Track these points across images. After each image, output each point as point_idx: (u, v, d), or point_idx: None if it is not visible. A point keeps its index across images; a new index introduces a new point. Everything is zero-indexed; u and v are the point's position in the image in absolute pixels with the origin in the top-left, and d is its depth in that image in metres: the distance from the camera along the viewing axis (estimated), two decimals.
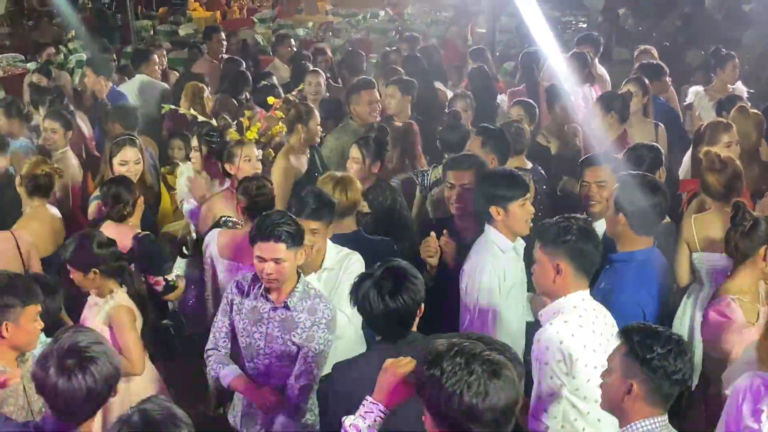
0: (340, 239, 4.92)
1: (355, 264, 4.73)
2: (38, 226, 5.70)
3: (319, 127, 6.86)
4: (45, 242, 5.68)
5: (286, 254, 4.13)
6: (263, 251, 4.14)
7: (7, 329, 3.69)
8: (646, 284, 4.45)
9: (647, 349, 3.07)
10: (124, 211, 5.40)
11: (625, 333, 3.17)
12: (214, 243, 5.33)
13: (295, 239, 4.15)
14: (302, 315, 4.25)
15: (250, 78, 9.18)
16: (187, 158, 6.86)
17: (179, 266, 5.71)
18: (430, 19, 15.68)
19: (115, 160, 6.02)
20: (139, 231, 5.31)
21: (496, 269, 4.50)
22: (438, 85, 8.79)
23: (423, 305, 3.60)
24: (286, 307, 4.26)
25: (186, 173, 6.72)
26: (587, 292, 3.90)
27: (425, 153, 7.42)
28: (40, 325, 3.85)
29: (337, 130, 7.39)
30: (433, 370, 2.61)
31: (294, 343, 4.26)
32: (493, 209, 4.55)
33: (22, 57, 14.10)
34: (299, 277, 4.32)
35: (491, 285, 4.48)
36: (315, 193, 4.73)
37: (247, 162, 5.97)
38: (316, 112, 6.92)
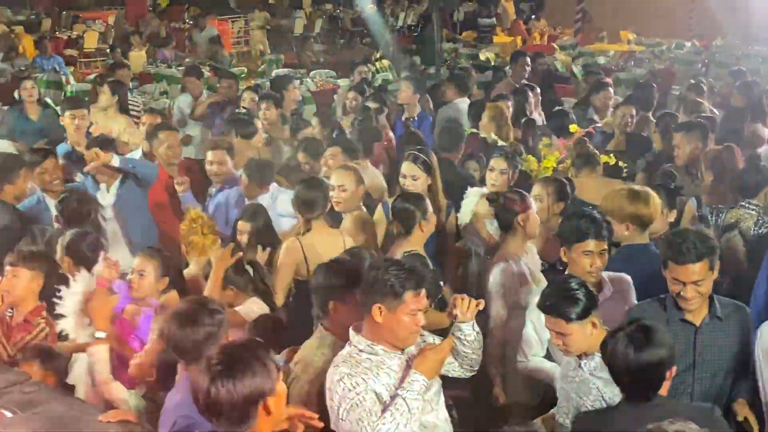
0: (630, 249, 4.91)
1: None
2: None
3: None
4: None
5: (569, 329, 3.80)
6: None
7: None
8: None
9: None
10: (409, 226, 5.30)
11: None
12: None
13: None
14: (598, 381, 3.78)
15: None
16: (481, 181, 6.79)
17: None
18: (741, 52, 14.85)
19: None
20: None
21: None
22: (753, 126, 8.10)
23: (674, 368, 3.42)
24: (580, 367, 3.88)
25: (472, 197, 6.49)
26: None
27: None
28: None
29: None
30: None
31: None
32: None
33: (334, 73, 15.13)
34: None
35: None
36: None
37: None
38: None
